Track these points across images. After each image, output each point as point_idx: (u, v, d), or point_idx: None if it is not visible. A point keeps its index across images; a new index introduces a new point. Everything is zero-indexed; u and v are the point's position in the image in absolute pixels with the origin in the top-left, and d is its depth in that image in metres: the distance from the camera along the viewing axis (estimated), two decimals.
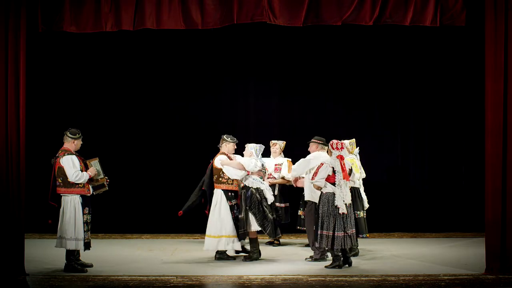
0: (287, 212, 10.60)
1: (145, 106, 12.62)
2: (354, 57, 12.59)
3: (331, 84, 12.65)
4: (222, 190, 9.38)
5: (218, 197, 9.39)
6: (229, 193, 9.39)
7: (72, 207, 8.45)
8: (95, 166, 8.70)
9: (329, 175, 8.77)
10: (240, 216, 9.27)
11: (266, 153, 10.68)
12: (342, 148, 8.90)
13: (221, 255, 9.42)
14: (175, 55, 12.55)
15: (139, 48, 12.33)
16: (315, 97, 12.69)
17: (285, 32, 10.64)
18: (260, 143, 9.80)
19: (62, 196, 8.50)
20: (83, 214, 8.48)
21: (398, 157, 12.84)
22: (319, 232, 8.76)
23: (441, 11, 8.36)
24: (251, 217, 9.25)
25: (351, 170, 8.96)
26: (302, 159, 9.56)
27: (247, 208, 9.22)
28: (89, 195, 8.63)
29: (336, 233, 8.67)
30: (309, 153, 9.62)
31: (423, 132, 12.80)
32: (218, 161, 9.38)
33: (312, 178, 8.92)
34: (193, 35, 11.52)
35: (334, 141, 8.94)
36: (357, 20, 8.48)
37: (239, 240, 9.32)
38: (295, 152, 10.74)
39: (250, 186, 9.29)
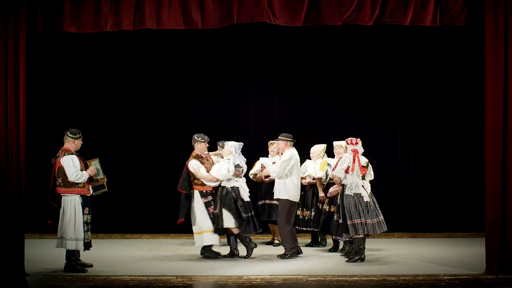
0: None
1: (145, 106, 12.63)
2: (354, 57, 12.61)
3: (331, 84, 12.68)
4: (198, 191, 9.58)
5: (195, 196, 9.58)
6: (204, 191, 9.58)
7: (72, 207, 8.45)
8: (95, 166, 8.70)
9: (348, 167, 9.16)
10: (215, 211, 9.49)
11: (265, 153, 10.70)
12: (357, 143, 9.26)
13: (207, 252, 9.61)
14: (175, 55, 12.56)
15: (139, 48, 12.34)
16: (315, 96, 12.71)
17: (285, 32, 10.65)
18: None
19: (62, 196, 8.50)
20: (83, 214, 8.48)
21: (398, 157, 12.85)
22: (349, 223, 9.11)
23: (441, 11, 8.36)
24: (227, 214, 9.43)
25: (368, 163, 9.29)
26: (279, 161, 9.59)
27: (222, 205, 9.45)
28: (89, 195, 8.63)
29: (367, 220, 9.11)
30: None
31: (423, 132, 12.81)
32: (191, 166, 9.53)
33: (333, 170, 9.45)
34: (193, 35, 11.53)
35: (350, 139, 9.27)
36: (357, 20, 8.48)
37: (216, 234, 9.56)
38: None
39: (225, 185, 9.51)
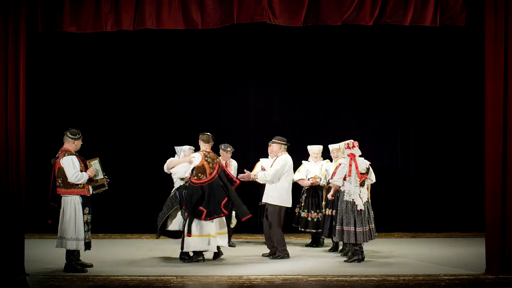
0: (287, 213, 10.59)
1: (145, 106, 12.64)
2: (354, 57, 12.62)
3: (331, 84, 12.69)
4: None
5: None
6: None
7: (72, 207, 8.45)
8: (95, 166, 8.70)
9: (345, 175, 9.16)
10: None
11: (265, 153, 10.69)
12: (353, 147, 9.23)
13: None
14: (175, 55, 12.56)
15: (139, 48, 12.34)
16: (315, 97, 12.72)
17: (285, 32, 10.64)
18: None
19: (62, 197, 8.49)
20: (83, 214, 8.48)
21: (398, 157, 12.85)
22: (338, 228, 9.16)
23: (441, 11, 8.36)
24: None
25: (368, 168, 9.30)
26: (273, 168, 9.53)
27: None
28: (89, 195, 8.63)
29: (357, 228, 9.06)
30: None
31: (423, 132, 12.82)
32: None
33: (332, 178, 9.39)
34: (193, 35, 11.53)
35: (350, 143, 9.28)
36: (357, 20, 8.48)
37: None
38: (294, 151, 10.75)
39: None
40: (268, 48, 12.46)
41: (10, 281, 8.00)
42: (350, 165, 9.14)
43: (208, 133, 9.50)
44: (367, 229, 9.13)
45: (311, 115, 12.67)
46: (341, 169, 9.23)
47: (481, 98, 8.49)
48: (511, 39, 8.24)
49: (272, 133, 10.26)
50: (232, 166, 10.79)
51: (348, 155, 9.21)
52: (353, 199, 9.11)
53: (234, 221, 10.71)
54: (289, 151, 10.14)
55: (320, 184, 10.40)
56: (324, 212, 10.24)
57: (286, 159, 9.57)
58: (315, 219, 10.46)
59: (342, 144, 9.48)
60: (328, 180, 10.05)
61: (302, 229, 10.60)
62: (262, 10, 8.45)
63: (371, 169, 9.37)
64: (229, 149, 10.68)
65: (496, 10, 8.25)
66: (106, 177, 8.83)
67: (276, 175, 9.49)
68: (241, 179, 9.65)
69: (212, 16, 8.50)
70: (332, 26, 8.75)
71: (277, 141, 9.68)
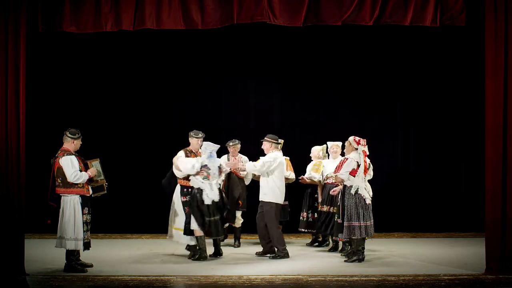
0: (287, 211, 10.60)
1: (145, 106, 12.64)
2: (354, 57, 12.61)
3: (331, 84, 12.68)
4: (180, 185, 9.59)
5: (177, 191, 9.61)
6: (184, 189, 9.52)
7: (71, 207, 8.45)
8: (95, 166, 8.70)
9: (353, 169, 9.11)
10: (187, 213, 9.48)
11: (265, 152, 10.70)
12: (365, 144, 9.28)
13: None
14: (175, 55, 12.56)
15: (139, 48, 12.34)
16: (315, 96, 12.71)
17: (285, 32, 10.65)
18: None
19: (62, 196, 8.50)
20: (83, 214, 8.48)
21: (398, 157, 12.84)
22: (346, 224, 9.10)
23: (441, 11, 8.36)
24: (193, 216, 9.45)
25: (369, 164, 9.32)
26: (262, 160, 9.62)
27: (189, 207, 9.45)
28: (88, 195, 8.63)
29: (364, 222, 9.10)
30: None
31: (423, 132, 12.81)
32: (176, 156, 9.59)
33: (336, 171, 9.31)
34: (193, 35, 11.53)
35: (356, 138, 9.29)
36: (357, 20, 8.49)
37: (185, 234, 9.47)
38: (294, 151, 10.76)
39: (193, 185, 9.46)
40: (268, 48, 12.46)
41: (10, 281, 8.01)
42: (365, 162, 9.15)
43: (190, 132, 9.75)
44: (370, 223, 9.16)
45: (311, 115, 12.67)
46: (348, 163, 9.18)
47: (481, 98, 8.49)
48: (511, 39, 8.25)
49: (272, 133, 10.28)
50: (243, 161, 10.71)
51: (362, 151, 9.22)
52: (357, 193, 9.09)
53: (239, 221, 10.64)
54: (289, 151, 10.15)
55: (316, 181, 10.37)
56: (320, 209, 10.22)
57: (275, 155, 9.59)
58: (304, 219, 10.50)
59: (350, 139, 9.43)
60: (327, 174, 10.09)
61: (299, 229, 10.64)
62: (262, 10, 8.45)
63: (371, 165, 9.41)
64: (231, 143, 10.64)
65: (496, 10, 8.25)
66: (104, 180, 8.85)
67: (264, 166, 9.51)
68: (228, 167, 9.76)
69: (212, 16, 8.51)
70: (332, 26, 8.75)
71: (268, 139, 9.71)
